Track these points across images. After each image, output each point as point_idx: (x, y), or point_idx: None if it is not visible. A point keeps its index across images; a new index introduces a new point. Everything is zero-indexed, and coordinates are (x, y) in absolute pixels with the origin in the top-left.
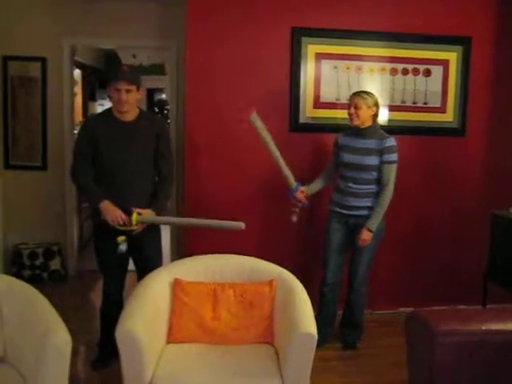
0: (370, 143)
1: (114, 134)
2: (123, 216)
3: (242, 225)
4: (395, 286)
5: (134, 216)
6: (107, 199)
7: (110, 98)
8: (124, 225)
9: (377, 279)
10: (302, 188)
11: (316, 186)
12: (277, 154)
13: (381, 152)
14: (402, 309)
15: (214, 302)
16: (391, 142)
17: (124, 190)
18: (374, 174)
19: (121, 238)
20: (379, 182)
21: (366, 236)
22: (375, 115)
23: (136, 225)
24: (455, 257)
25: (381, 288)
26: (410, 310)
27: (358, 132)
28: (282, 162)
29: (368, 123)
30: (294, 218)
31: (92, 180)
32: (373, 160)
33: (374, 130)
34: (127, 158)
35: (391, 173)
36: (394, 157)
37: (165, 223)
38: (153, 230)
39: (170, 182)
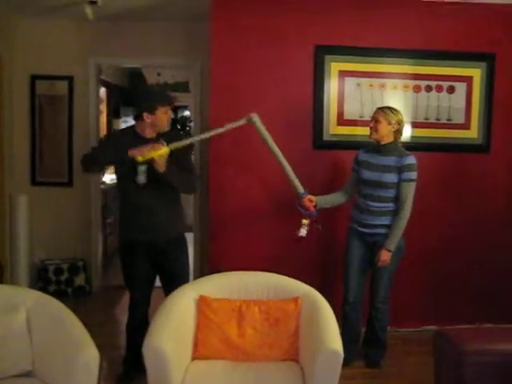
0: (389, 160)
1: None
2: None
3: (254, 115)
4: (418, 304)
5: (164, 150)
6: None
7: (138, 118)
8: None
9: (400, 296)
10: (311, 196)
11: (331, 199)
12: (283, 160)
13: (400, 170)
14: (425, 327)
15: (239, 318)
16: (411, 159)
17: (147, 207)
18: (392, 191)
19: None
20: (397, 199)
21: (384, 256)
22: (397, 132)
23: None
24: (479, 274)
25: (404, 305)
26: (434, 327)
27: (377, 148)
28: (287, 167)
29: (388, 139)
30: (302, 232)
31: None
32: (391, 177)
33: (394, 147)
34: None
35: (409, 191)
36: (412, 175)
37: (191, 141)
38: (179, 245)
39: (194, 178)
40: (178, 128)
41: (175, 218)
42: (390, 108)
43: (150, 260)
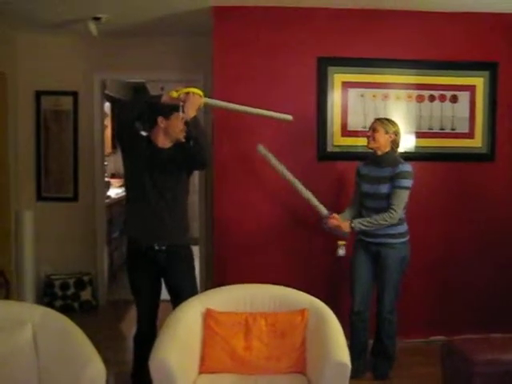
0: (385, 171)
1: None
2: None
3: (290, 117)
4: (426, 314)
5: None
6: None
7: (153, 126)
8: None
9: (407, 307)
10: (335, 214)
11: (347, 215)
12: (298, 185)
13: (392, 178)
14: (433, 337)
15: (245, 331)
16: (404, 167)
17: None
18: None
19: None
20: None
21: (345, 224)
22: (394, 142)
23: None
24: (486, 283)
25: (411, 316)
26: (442, 338)
27: (375, 160)
28: (306, 192)
29: (385, 149)
30: (340, 253)
31: None
32: (387, 188)
33: (391, 158)
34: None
35: (400, 198)
36: (405, 182)
37: (223, 107)
38: (185, 257)
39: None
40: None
41: (180, 226)
42: (387, 119)
43: (156, 271)
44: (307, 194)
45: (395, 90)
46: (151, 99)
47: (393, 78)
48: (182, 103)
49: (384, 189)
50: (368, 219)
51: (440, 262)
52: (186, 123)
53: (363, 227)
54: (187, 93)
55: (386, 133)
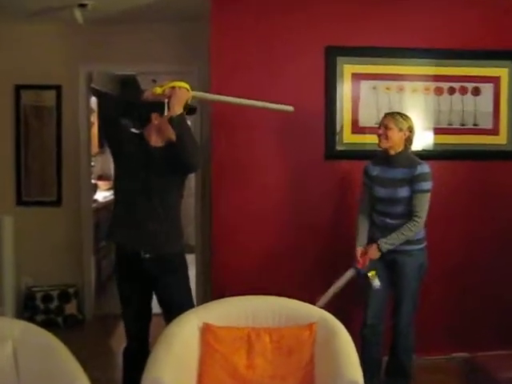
0: (401, 172)
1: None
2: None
3: (290, 108)
4: (446, 328)
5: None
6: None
7: (146, 122)
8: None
9: (425, 319)
10: (360, 249)
11: (365, 233)
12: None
13: (411, 181)
14: (455, 354)
15: (248, 348)
16: (423, 168)
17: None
18: (409, 206)
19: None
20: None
21: (372, 252)
22: (408, 140)
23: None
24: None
25: (430, 329)
26: (464, 354)
27: (387, 160)
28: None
29: (398, 148)
30: (376, 284)
31: None
32: (405, 191)
33: (406, 157)
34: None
35: (422, 202)
36: (426, 185)
37: (214, 100)
38: (177, 268)
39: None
40: None
41: (170, 232)
42: (399, 113)
43: (145, 281)
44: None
45: (411, 82)
46: (131, 97)
47: (408, 69)
48: (167, 99)
49: (402, 192)
50: (394, 236)
51: (460, 268)
52: (171, 120)
53: (391, 246)
54: (172, 87)
55: (400, 130)
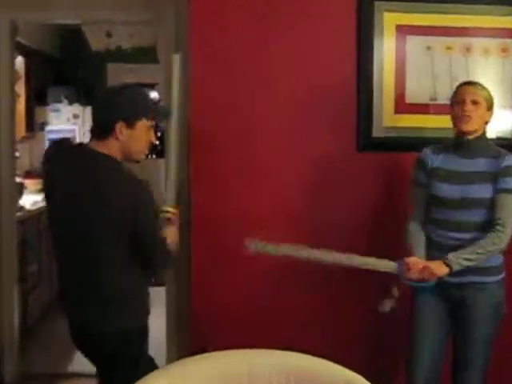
0: (481, 164)
1: None
2: None
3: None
4: None
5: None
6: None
7: (105, 133)
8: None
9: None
10: (409, 259)
11: (423, 245)
12: (340, 256)
13: (496, 175)
14: None
15: None
16: None
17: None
18: (489, 212)
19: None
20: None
21: (438, 267)
22: (487, 123)
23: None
24: None
25: None
26: None
27: (459, 146)
28: (356, 258)
29: (478, 133)
30: (387, 307)
31: None
32: (486, 190)
33: (486, 144)
34: None
35: (510, 206)
36: None
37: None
38: (120, 355)
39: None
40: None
41: (108, 304)
42: (479, 84)
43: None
44: (361, 261)
45: (482, 39)
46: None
47: (477, 21)
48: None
49: (482, 192)
50: (472, 249)
51: None
52: None
53: (467, 263)
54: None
55: (489, 108)
